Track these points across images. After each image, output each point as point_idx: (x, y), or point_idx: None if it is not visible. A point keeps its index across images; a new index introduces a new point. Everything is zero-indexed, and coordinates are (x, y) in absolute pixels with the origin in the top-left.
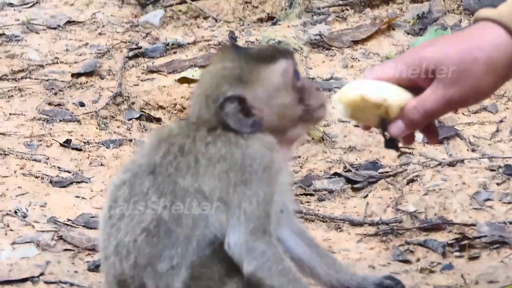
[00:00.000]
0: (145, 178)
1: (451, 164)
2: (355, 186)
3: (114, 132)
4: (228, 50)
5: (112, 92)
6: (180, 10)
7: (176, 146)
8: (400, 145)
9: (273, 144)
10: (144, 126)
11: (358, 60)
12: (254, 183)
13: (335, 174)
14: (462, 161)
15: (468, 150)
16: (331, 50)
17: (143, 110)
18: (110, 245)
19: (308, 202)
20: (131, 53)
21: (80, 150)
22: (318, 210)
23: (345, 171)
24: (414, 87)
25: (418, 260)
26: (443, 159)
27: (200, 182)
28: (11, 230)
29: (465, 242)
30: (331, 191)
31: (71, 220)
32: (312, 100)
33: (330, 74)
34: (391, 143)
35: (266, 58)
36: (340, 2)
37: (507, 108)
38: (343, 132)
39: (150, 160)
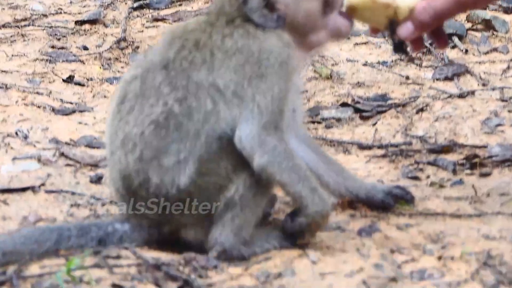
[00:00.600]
0: (158, 72)
1: (462, 96)
2: (363, 114)
3: (118, 71)
4: None
5: (116, 37)
6: None
7: (191, 41)
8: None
9: (291, 42)
10: None
11: None
12: (269, 77)
13: (343, 104)
14: (473, 92)
15: (478, 84)
16: None
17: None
18: (117, 139)
19: (316, 129)
20: (135, 4)
21: (83, 85)
22: (326, 136)
23: (353, 103)
24: None
25: (428, 177)
26: (453, 93)
27: (214, 75)
28: (11, 148)
29: (476, 160)
30: (339, 119)
31: (73, 141)
32: (337, 13)
33: None
34: (399, 47)
35: None
36: None
37: None
38: (351, 70)
39: (163, 55)
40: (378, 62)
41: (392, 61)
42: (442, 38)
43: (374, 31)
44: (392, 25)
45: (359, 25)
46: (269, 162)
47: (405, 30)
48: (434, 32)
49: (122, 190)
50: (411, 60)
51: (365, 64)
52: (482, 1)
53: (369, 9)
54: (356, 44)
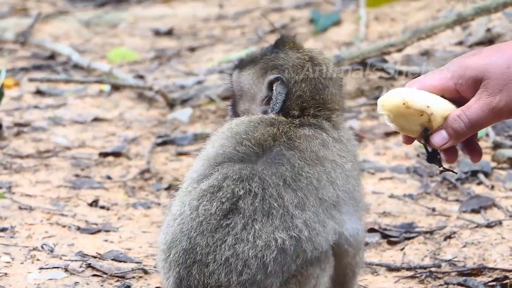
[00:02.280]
0: (281, 189)
1: (489, 226)
2: (391, 239)
3: (142, 198)
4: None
5: (140, 169)
6: (208, 109)
7: (309, 154)
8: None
9: None
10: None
11: (391, 149)
12: (359, 171)
13: (371, 230)
14: (501, 223)
15: (505, 216)
16: (362, 142)
17: (171, 184)
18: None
19: None
20: (159, 140)
21: (107, 209)
22: None
23: (380, 229)
24: (460, 100)
25: None
26: (481, 223)
27: (337, 189)
28: (38, 260)
29: (507, 281)
30: (366, 243)
31: (100, 254)
32: None
33: (362, 159)
34: (433, 157)
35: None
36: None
37: None
38: (377, 201)
39: (274, 171)
40: (404, 195)
41: (418, 194)
42: (475, 150)
43: (408, 140)
44: (425, 133)
45: (382, 161)
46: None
47: (439, 138)
48: (468, 144)
49: None
50: (443, 171)
51: (391, 196)
52: None
53: (403, 116)
54: (381, 179)
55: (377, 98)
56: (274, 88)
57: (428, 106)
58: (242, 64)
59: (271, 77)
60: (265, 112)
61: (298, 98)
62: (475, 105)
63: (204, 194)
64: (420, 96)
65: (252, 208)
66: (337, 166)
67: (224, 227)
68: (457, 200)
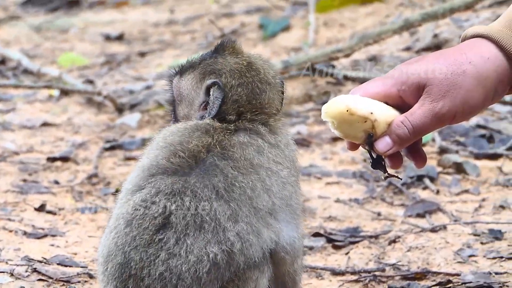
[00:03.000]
0: (209, 203)
1: (434, 230)
2: (336, 244)
3: (89, 203)
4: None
5: (87, 174)
6: (157, 114)
7: (239, 160)
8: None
9: None
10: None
11: (338, 154)
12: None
13: (316, 234)
14: (445, 227)
15: (450, 221)
16: (309, 147)
17: (119, 189)
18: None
19: None
20: (108, 145)
21: (55, 214)
22: None
23: (326, 234)
24: (403, 106)
25: None
26: (425, 227)
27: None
28: None
29: (449, 286)
30: (311, 248)
31: (45, 259)
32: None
33: (309, 163)
34: (377, 163)
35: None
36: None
37: (489, 191)
38: (323, 206)
39: (206, 182)
40: (350, 199)
41: (364, 199)
42: (419, 156)
43: (352, 147)
44: (369, 139)
45: (329, 166)
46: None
47: (383, 144)
48: (412, 149)
49: None
50: (387, 177)
51: (337, 201)
52: (460, 116)
53: (347, 122)
54: (328, 183)
55: (324, 103)
56: (211, 93)
57: (371, 113)
58: (182, 70)
59: (208, 82)
60: (202, 118)
61: (235, 102)
62: (419, 111)
63: (137, 208)
64: (364, 103)
65: (184, 222)
66: (272, 173)
67: (157, 242)
68: (402, 205)
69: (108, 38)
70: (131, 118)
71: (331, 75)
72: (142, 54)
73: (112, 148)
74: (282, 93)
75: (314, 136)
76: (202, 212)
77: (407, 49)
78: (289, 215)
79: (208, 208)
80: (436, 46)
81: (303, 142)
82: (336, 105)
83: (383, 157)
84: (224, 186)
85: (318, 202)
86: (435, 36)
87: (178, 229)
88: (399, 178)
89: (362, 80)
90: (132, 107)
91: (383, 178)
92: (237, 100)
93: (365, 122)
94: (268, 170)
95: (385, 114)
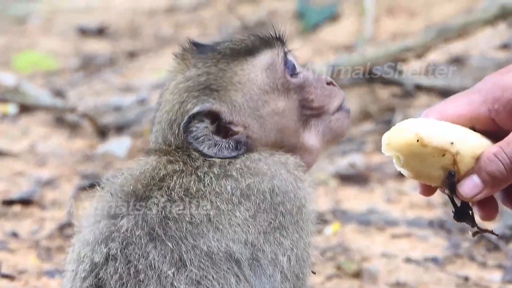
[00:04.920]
0: (144, 246)
1: None
2: None
3: (61, 264)
4: (189, 53)
5: (58, 222)
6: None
7: (178, 190)
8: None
9: (302, 166)
10: None
11: (408, 194)
12: (290, 228)
13: None
14: None
15: None
16: (367, 184)
17: None
18: None
19: None
20: (85, 182)
21: (13, 278)
22: None
23: None
24: (497, 132)
25: None
26: None
27: (226, 238)
28: None
29: None
30: None
31: None
32: (322, 101)
33: (367, 208)
34: (463, 213)
35: (242, 52)
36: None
37: None
38: (387, 267)
39: (139, 220)
40: (426, 259)
41: (445, 258)
42: (492, 207)
43: (426, 191)
44: (450, 179)
45: (395, 211)
46: None
47: (470, 187)
48: (511, 193)
49: None
50: (477, 232)
51: (407, 260)
52: None
53: (418, 157)
54: (394, 236)
55: (387, 122)
56: None
57: (452, 143)
58: None
59: None
60: None
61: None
62: None
63: (71, 274)
64: (441, 129)
65: (117, 277)
66: (220, 210)
67: None
68: (499, 266)
69: (84, 31)
70: (118, 145)
71: (397, 83)
72: (132, 55)
73: (91, 186)
74: None
75: (374, 169)
76: (135, 260)
77: (504, 46)
78: (262, 274)
79: (140, 253)
80: None
81: (357, 178)
82: (402, 133)
83: (470, 204)
84: (158, 223)
85: (381, 262)
86: None
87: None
88: (494, 234)
89: (441, 92)
90: (119, 129)
91: (471, 234)
92: None
93: (443, 156)
94: (214, 204)
95: (471, 145)
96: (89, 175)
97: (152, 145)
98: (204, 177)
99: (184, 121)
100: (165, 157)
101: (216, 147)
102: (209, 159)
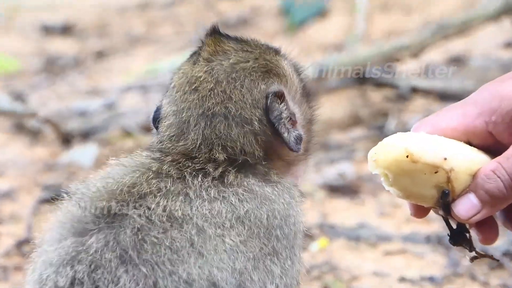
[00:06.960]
0: (114, 271)
1: None
2: None
3: (19, 284)
4: (220, 36)
5: (16, 239)
6: (124, 147)
7: (157, 210)
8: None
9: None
10: None
11: (401, 207)
12: (284, 254)
13: None
14: None
15: None
16: (358, 196)
17: None
18: None
19: None
20: (47, 194)
21: None
22: None
23: None
24: (495, 147)
25: None
26: None
27: (209, 266)
28: None
29: None
30: None
31: None
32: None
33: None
34: (459, 236)
35: (274, 49)
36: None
37: None
38: (379, 287)
39: (110, 240)
40: (422, 278)
41: (444, 277)
42: (492, 230)
43: (418, 213)
44: (444, 199)
45: (388, 226)
46: None
47: (466, 207)
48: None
49: None
50: (476, 258)
51: (401, 280)
52: None
53: (407, 175)
54: (387, 253)
55: (380, 128)
56: None
57: (445, 159)
58: None
59: None
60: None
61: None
62: None
63: None
64: (433, 143)
65: None
66: (206, 236)
67: None
68: (503, 286)
69: (47, 30)
70: (84, 153)
71: (391, 85)
72: (100, 55)
73: (54, 199)
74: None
75: (365, 180)
76: (103, 286)
77: (509, 45)
78: None
79: (108, 278)
80: None
81: (347, 189)
82: (390, 149)
83: (467, 226)
84: (132, 245)
85: (372, 282)
86: None
87: None
88: (495, 259)
89: (439, 94)
90: (85, 136)
91: (469, 259)
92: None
93: (436, 173)
94: (200, 229)
95: (466, 160)
96: (51, 187)
97: (156, 143)
98: (196, 199)
99: (269, 98)
100: (158, 164)
101: (289, 134)
102: (218, 177)
